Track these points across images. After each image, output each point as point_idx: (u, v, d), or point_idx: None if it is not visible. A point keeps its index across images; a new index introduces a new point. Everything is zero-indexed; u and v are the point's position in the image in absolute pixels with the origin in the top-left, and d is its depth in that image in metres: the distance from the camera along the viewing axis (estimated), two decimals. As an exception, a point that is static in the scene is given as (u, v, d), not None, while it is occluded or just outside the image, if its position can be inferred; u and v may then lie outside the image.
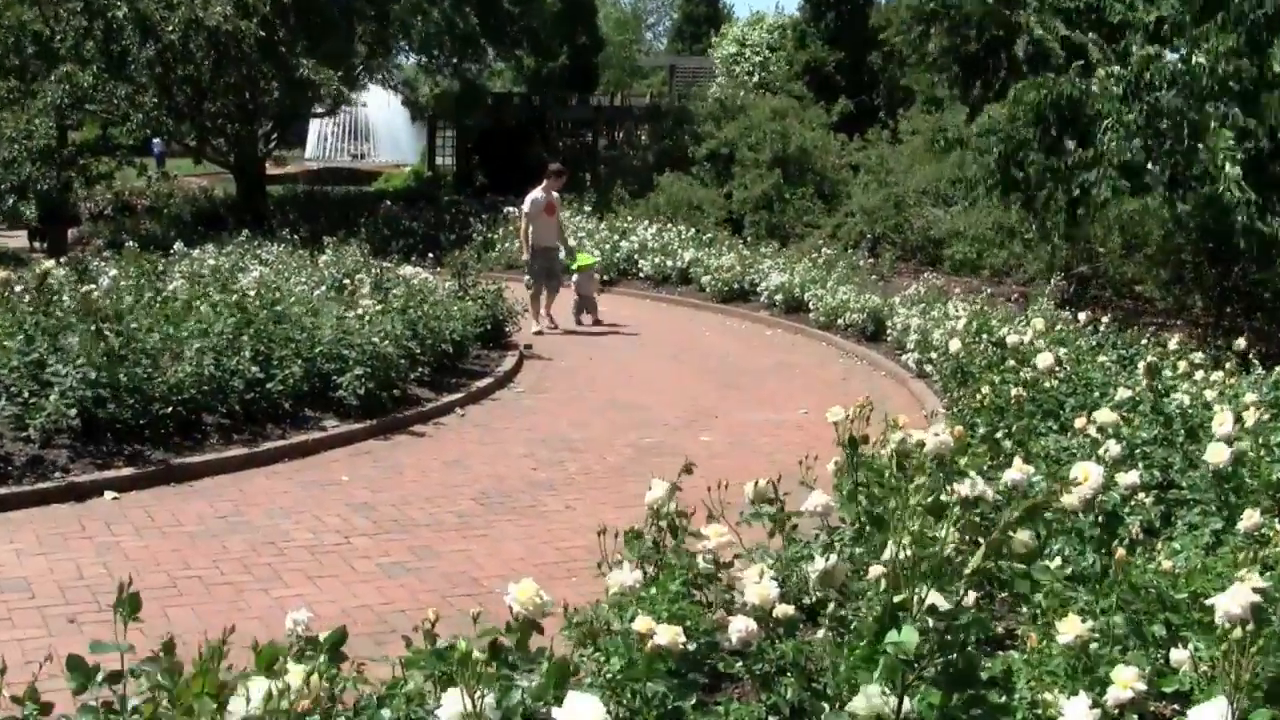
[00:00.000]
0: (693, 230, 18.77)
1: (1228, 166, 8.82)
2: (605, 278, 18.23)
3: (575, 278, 13.97)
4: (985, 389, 6.39)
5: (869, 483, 3.66)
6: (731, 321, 15.23)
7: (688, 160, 22.07)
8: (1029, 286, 14.97)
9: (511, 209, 20.31)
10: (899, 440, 3.48)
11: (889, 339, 12.46)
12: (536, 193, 13.35)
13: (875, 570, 3.08)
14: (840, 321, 13.43)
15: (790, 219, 19.63)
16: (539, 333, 13.01)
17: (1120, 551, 3.28)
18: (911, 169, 18.95)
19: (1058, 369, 6.66)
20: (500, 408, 9.66)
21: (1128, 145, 9.58)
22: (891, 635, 2.21)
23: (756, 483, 3.68)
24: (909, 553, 2.28)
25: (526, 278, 13.52)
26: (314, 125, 33.72)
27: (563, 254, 13.94)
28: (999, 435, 5.79)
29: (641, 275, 17.85)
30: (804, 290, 14.72)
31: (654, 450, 8.18)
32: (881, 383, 11.21)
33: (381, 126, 34.47)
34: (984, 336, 8.94)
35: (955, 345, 8.45)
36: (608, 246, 18.33)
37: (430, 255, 14.27)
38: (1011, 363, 7.26)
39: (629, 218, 19.66)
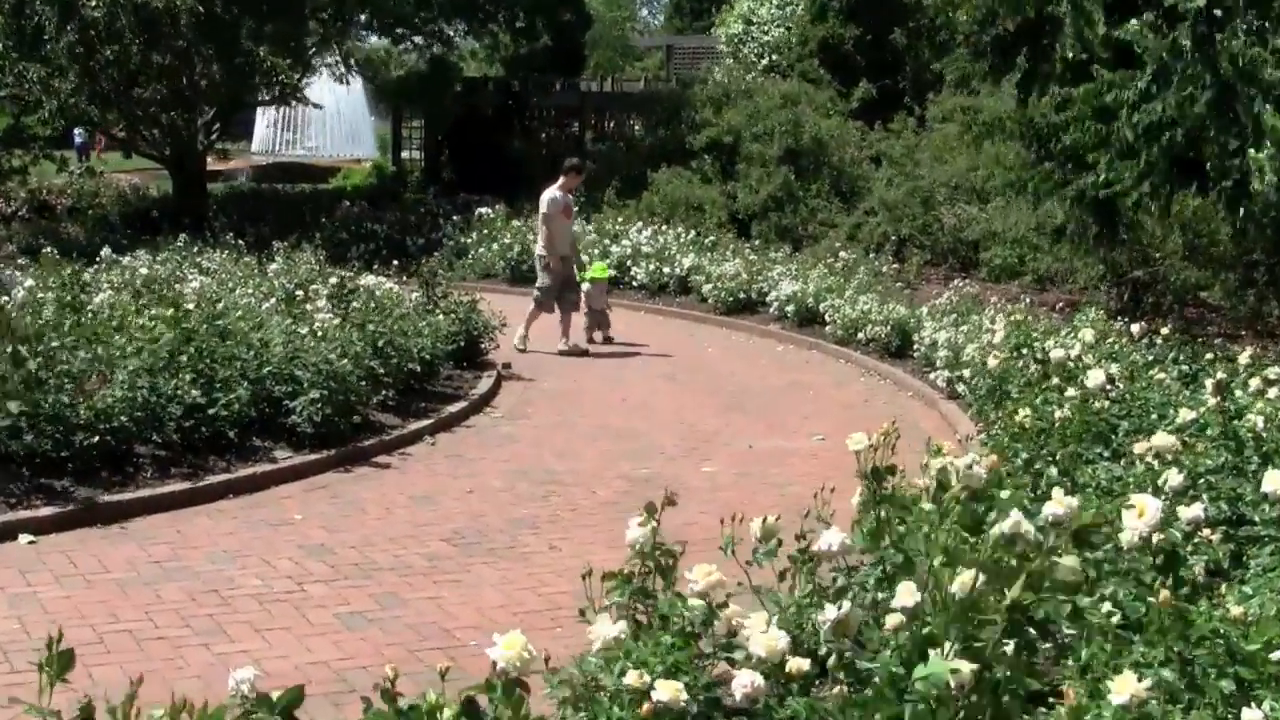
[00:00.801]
0: (692, 233, 18.86)
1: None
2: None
3: (586, 290, 13.95)
4: (1025, 411, 6.41)
5: (895, 519, 3.68)
6: (737, 336, 15.26)
7: (686, 153, 22.16)
8: (1078, 294, 15.04)
9: (485, 210, 20.36)
10: (940, 469, 3.50)
11: (916, 355, 12.51)
12: (554, 191, 13.25)
13: (893, 620, 3.09)
14: (860, 336, 13.49)
15: (803, 219, 19.72)
16: (522, 350, 13.03)
17: (1165, 594, 3.27)
18: (941, 160, 19.05)
19: (1109, 388, 6.69)
20: (475, 436, 9.67)
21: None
22: (919, 671, 2.22)
23: (765, 519, 3.69)
24: (937, 595, 2.29)
25: (537, 289, 13.37)
26: (261, 115, 33.83)
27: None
28: (1041, 464, 5.81)
29: (635, 284, 17.92)
30: (819, 300, 14.78)
31: (650, 483, 8.19)
32: (907, 404, 11.24)
33: (339, 116, 34.54)
34: (1025, 351, 8.98)
35: (992, 361, 8.49)
36: (596, 252, 18.38)
37: (395, 262, 14.31)
38: (1056, 381, 7.29)
39: (620, 219, 19.74)
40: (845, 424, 10.03)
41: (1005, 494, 3.37)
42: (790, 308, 15.08)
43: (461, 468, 8.63)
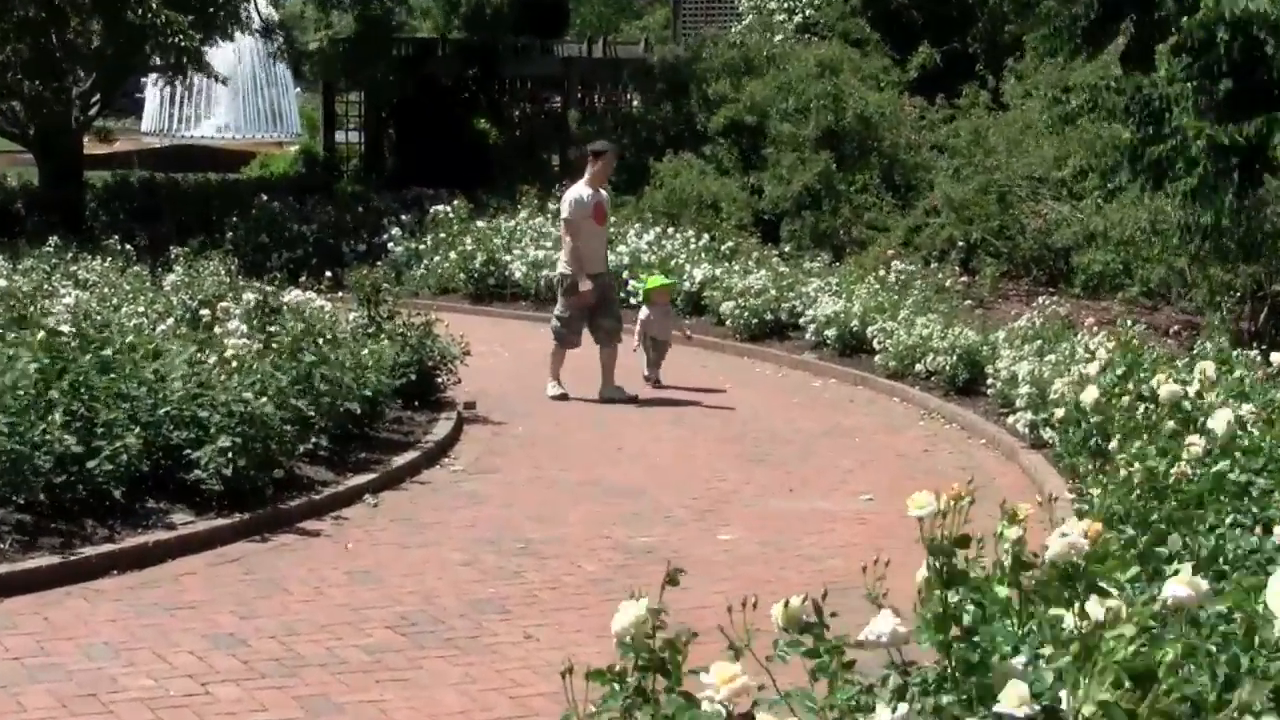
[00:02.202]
0: (706, 237, 18.96)
1: None
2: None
3: (645, 313, 13.86)
4: (1131, 463, 6.43)
5: (966, 603, 3.68)
6: (763, 368, 15.29)
7: (698, 136, 22.27)
8: (1199, 314, 15.07)
9: (442, 207, 20.45)
10: (1015, 540, 3.51)
11: (989, 393, 12.55)
12: (579, 189, 13.09)
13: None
14: (919, 367, 13.55)
15: (846, 220, 19.83)
16: (561, 397, 12.92)
17: None
18: (1022, 146, 19.15)
19: (1240, 434, 6.69)
20: (430, 495, 9.68)
21: None
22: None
23: (788, 602, 3.67)
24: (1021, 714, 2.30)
25: (555, 319, 13.17)
26: (155, 85, 33.93)
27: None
28: (1152, 532, 5.81)
29: (633, 301, 17.98)
30: (866, 323, 14.86)
31: (651, 555, 8.20)
32: (979, 455, 11.26)
33: (255, 88, 34.74)
34: (1130, 387, 8.99)
35: (1088, 398, 8.50)
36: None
37: (328, 273, 14.34)
38: (1171, 425, 7.30)
39: (614, 220, 19.81)
40: (900, 480, 10.07)
41: (1104, 571, 3.38)
42: (830, 332, 15.14)
43: (412, 535, 8.63)
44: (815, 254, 18.53)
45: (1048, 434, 10.57)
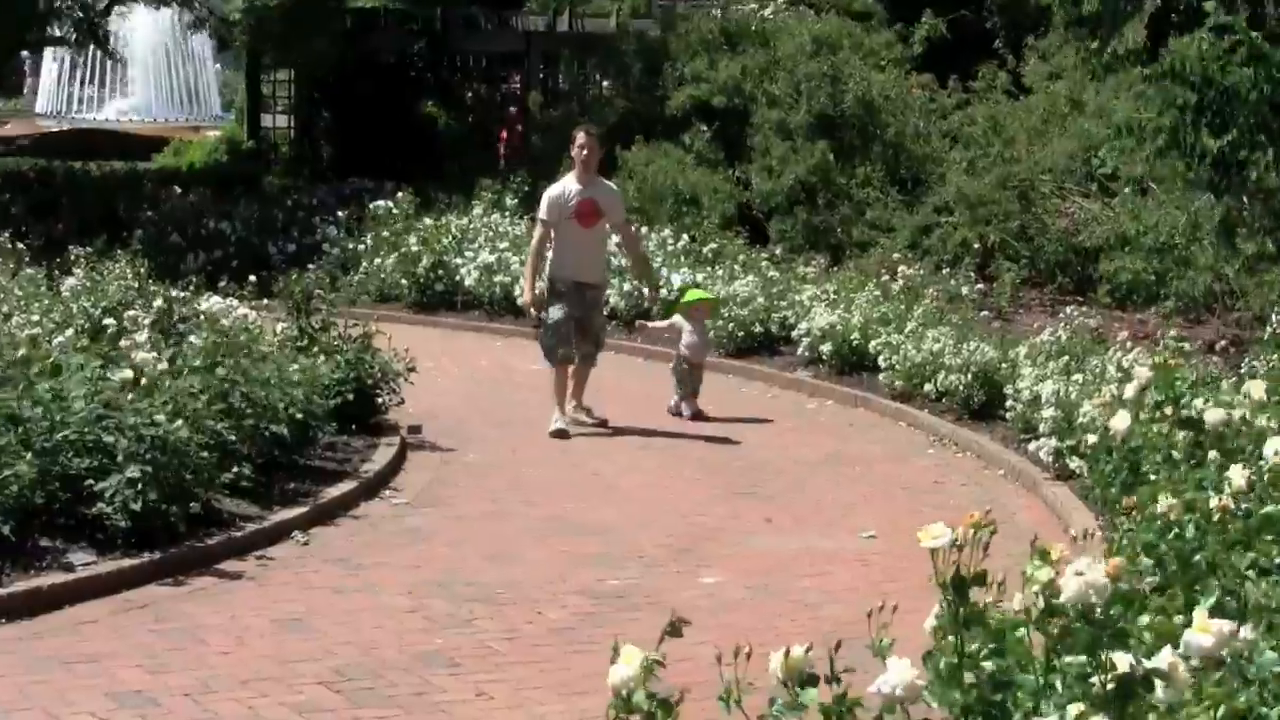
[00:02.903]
0: (685, 237, 18.99)
1: None
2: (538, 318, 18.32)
3: (687, 338, 13.76)
4: (1168, 497, 6.45)
5: (984, 653, 3.70)
6: (750, 388, 15.31)
7: (674, 122, 22.26)
8: (1248, 328, 15.12)
9: (384, 203, 20.44)
10: (1045, 583, 3.52)
11: (1009, 417, 12.58)
12: (562, 183, 12.94)
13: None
14: (928, 387, 13.62)
15: (845, 219, 19.89)
16: (560, 433, 12.55)
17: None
18: (1047, 135, 19.23)
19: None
20: (370, 531, 9.66)
21: None
22: None
23: (789, 651, 3.68)
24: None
25: (542, 335, 12.98)
26: (50, 61, 33.83)
27: (644, 288, 14.43)
28: (1192, 574, 5.83)
29: (651, 324, 18.07)
30: (869, 337, 14.93)
31: (624, 600, 8.19)
32: (998, 487, 11.29)
33: (169, 64, 34.61)
34: (1169, 412, 9.02)
35: (1120, 423, 8.53)
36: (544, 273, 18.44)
37: (252, 278, 14.29)
38: (1214, 454, 7.33)
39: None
40: (906, 515, 10.09)
41: (1143, 619, 3.41)
42: (827, 346, 15.18)
43: (348, 577, 8.60)
44: (810, 257, 18.59)
45: (1075, 464, 10.61)
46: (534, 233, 13.09)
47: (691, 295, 14.30)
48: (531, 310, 13.01)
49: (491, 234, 19.55)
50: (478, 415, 13.30)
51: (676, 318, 13.97)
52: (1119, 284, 16.94)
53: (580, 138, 13.04)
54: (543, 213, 12.84)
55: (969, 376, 13.25)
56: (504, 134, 26.67)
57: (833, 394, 14.60)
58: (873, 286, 16.30)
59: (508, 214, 20.49)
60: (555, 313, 12.76)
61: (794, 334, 15.89)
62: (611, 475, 11.42)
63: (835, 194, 20.15)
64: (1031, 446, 11.68)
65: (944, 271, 17.35)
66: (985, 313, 16.21)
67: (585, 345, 12.92)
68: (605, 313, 14.59)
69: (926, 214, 19.22)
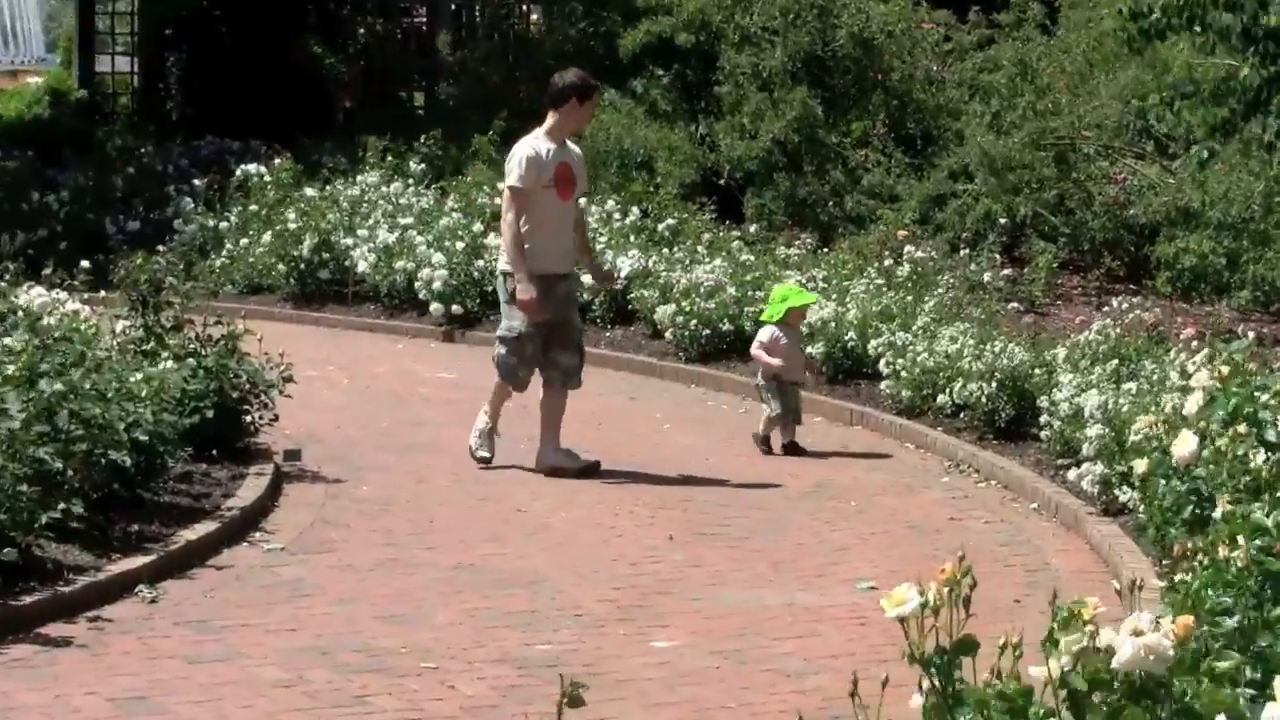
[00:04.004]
0: (635, 210, 18.96)
1: None
2: (459, 310, 18.27)
3: (781, 350, 13.46)
4: (1242, 536, 6.43)
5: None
6: (718, 400, 15.30)
7: (622, 67, 22.18)
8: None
9: (255, 168, 20.35)
10: (1077, 651, 3.48)
11: (1044, 435, 12.57)
12: (536, 142, 12.46)
13: None
14: (943, 399, 13.62)
15: (837, 188, 19.89)
16: (483, 459, 12.48)
17: None
18: (1092, 83, 19.24)
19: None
20: (234, 585, 9.58)
21: None
22: None
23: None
24: None
25: (500, 343, 12.59)
26: None
27: (585, 276, 14.05)
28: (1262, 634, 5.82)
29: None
30: (867, 335, 14.94)
31: (555, 669, 8.11)
32: (1029, 525, 11.29)
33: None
34: (1246, 431, 9.00)
35: (1183, 447, 8.51)
36: (462, 251, 18.41)
37: (85, 263, 14.19)
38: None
39: (494, 192, 19.80)
40: (914, 561, 10.04)
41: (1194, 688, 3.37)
42: (816, 348, 15.15)
43: (207, 644, 8.52)
44: (793, 235, 18.61)
45: (1126, 495, 10.59)
46: (506, 205, 12.43)
47: (790, 296, 13.73)
48: (529, 296, 12.15)
49: (391, 208, 19.53)
50: (372, 437, 13.24)
51: (768, 329, 13.67)
52: (1182, 269, 16.93)
53: (588, 89, 12.73)
54: (518, 177, 12.29)
55: (993, 386, 13.22)
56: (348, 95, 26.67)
57: (822, 408, 14.56)
58: (873, 272, 16.31)
59: (411, 182, 20.44)
60: (517, 323, 12.36)
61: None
62: (541, 512, 11.36)
63: (825, 156, 20.18)
64: (1072, 474, 11.64)
65: (962, 253, 17.38)
66: (1014, 305, 16.24)
67: (565, 357, 12.51)
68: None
69: (940, 181, 19.23)
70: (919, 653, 3.81)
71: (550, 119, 12.55)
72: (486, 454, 12.55)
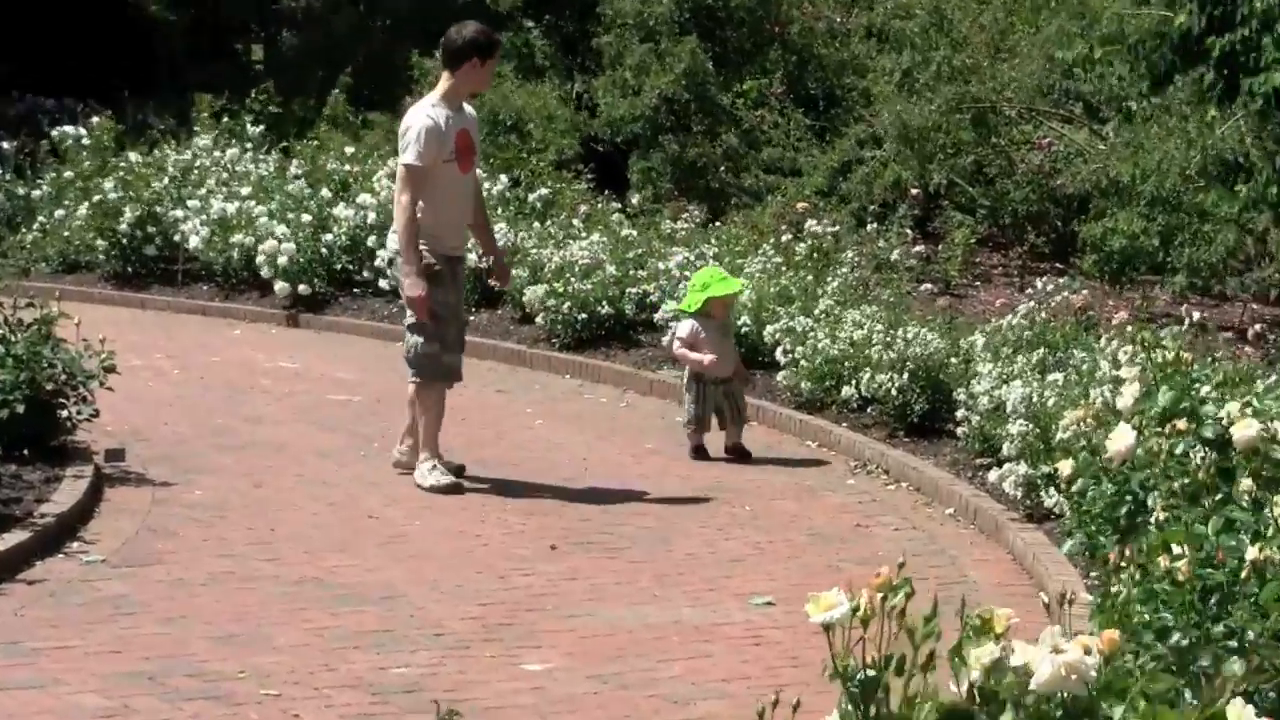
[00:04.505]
0: (502, 180, 18.94)
1: None
2: (305, 291, 18.20)
3: (705, 346, 13.25)
4: (1181, 544, 6.48)
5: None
6: (597, 393, 15.32)
7: (493, 17, 22.14)
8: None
9: (71, 130, 20.17)
10: (989, 665, 3.50)
11: (961, 433, 12.65)
12: (433, 108, 12.19)
13: None
14: (848, 392, 13.70)
15: (731, 154, 19.90)
16: (453, 487, 12.11)
17: None
18: (1015, 37, 19.32)
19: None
20: (49, 602, 9.49)
21: None
22: None
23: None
24: None
25: (412, 335, 12.28)
26: None
27: (478, 258, 13.97)
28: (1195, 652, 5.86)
29: (375, 290, 18.30)
30: (763, 320, 15.03)
31: (414, 696, 8.11)
32: (945, 533, 11.36)
33: None
34: (1184, 425, 9.07)
35: (1118, 443, 8.57)
36: (308, 224, 18.33)
37: None
38: (1249, 483, 7.38)
39: (348, 158, 19.76)
40: (816, 574, 10.09)
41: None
42: (704, 334, 15.21)
43: (18, 668, 8.43)
44: (680, 208, 18.65)
45: (1053, 499, 10.66)
46: (401, 185, 12.16)
47: (712, 284, 13.50)
48: (419, 293, 12.03)
49: (226, 175, 19.41)
50: (206, 435, 13.19)
51: (687, 322, 13.55)
52: (1110, 251, 17.00)
53: (490, 45, 12.48)
54: (417, 154, 11.95)
55: (905, 377, 13.28)
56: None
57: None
58: (769, 249, 16.35)
59: (250, 147, 20.34)
60: (429, 313, 12.17)
61: (657, 317, 15.96)
62: (398, 519, 11.32)
63: (717, 118, 20.20)
64: (993, 475, 11.67)
65: (869, 228, 17.45)
66: (928, 286, 16.32)
67: (454, 357, 12.49)
68: None
69: (845, 147, 19.34)
70: (843, 666, 3.80)
71: (446, 82, 12.37)
72: (443, 481, 12.16)
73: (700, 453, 13.27)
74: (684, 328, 13.43)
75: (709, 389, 13.27)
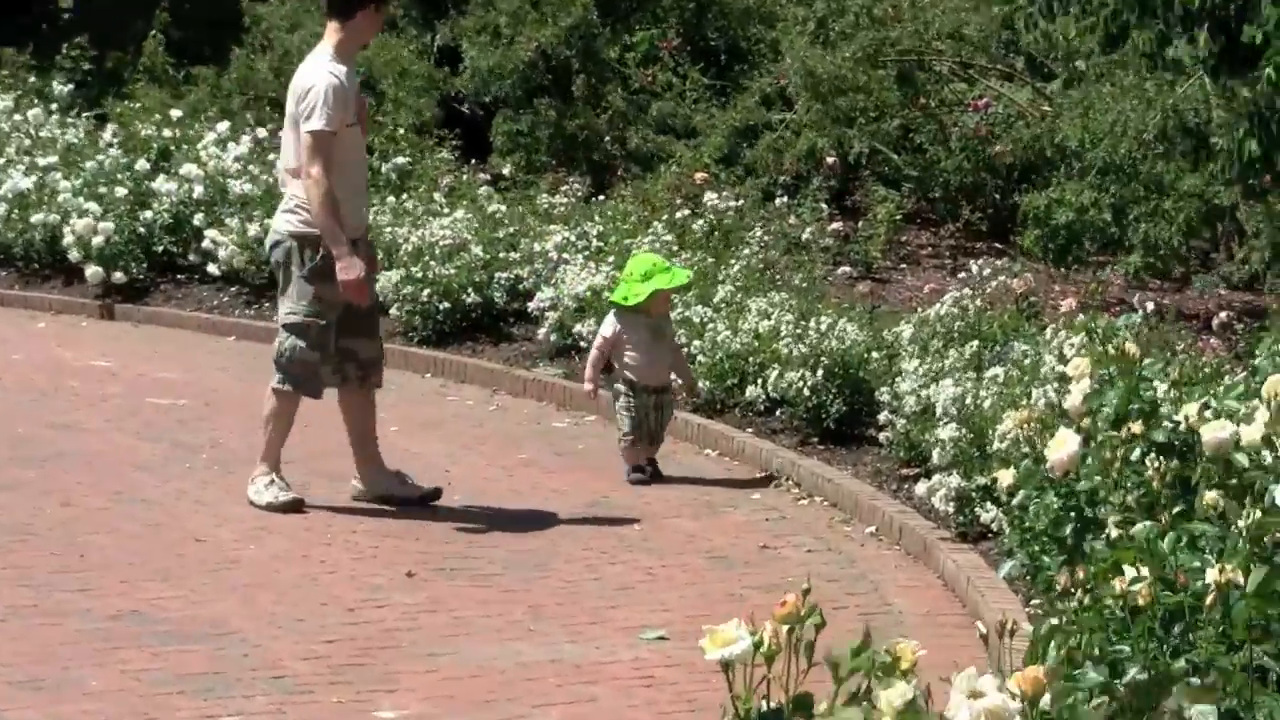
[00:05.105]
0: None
1: None
2: (121, 278, 18.13)
3: (630, 350, 13.06)
4: (1136, 570, 6.52)
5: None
6: (461, 395, 15.40)
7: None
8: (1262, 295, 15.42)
9: None
10: (901, 706, 3.53)
11: (884, 438, 12.71)
12: (332, 64, 12.01)
13: None
14: (753, 392, 13.75)
15: (617, 118, 19.92)
16: (293, 505, 12.00)
17: None
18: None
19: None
20: None
21: None
22: None
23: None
24: None
25: (287, 333, 12.06)
26: None
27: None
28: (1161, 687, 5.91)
29: (203, 277, 18.36)
30: (655, 310, 14.94)
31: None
32: (865, 554, 11.40)
33: None
34: (1139, 428, 9.12)
35: (1062, 451, 8.63)
36: (123, 200, 18.29)
37: None
38: (1213, 495, 7.43)
39: (166, 120, 19.74)
40: (715, 603, 10.11)
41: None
42: (586, 326, 15.17)
43: None
44: (558, 179, 18.66)
45: (989, 514, 10.70)
46: (311, 155, 11.89)
47: (657, 275, 13.19)
48: (356, 274, 11.84)
49: (29, 142, 19.32)
50: (4, 445, 13.18)
51: (610, 319, 13.31)
52: (1055, 225, 17.04)
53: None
54: (326, 117, 11.85)
55: (819, 374, 13.31)
56: None
57: (595, 401, 14.53)
58: (660, 227, 16.35)
59: (56, 109, 20.28)
60: (304, 302, 12.00)
61: (532, 307, 16.01)
62: (228, 542, 11.29)
63: (602, 76, 20.19)
64: (920, 488, 11.69)
65: (778, 202, 17.48)
66: (846, 269, 16.37)
67: (365, 347, 12.37)
68: None
69: (750, 108, 19.34)
70: (745, 709, 3.83)
71: (336, 34, 12.21)
72: (293, 494, 12.13)
73: (644, 475, 13.03)
74: (608, 325, 13.24)
75: (639, 396, 13.09)
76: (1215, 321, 14.32)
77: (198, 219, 17.98)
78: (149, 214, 18.17)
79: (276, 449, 12.18)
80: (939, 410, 11.74)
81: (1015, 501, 9.52)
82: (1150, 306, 13.16)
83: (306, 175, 11.95)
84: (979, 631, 7.79)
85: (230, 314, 17.80)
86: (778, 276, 15.16)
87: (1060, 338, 11.94)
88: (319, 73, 11.99)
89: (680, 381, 13.57)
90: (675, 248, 15.83)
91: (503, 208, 17.39)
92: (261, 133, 19.05)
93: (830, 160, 18.41)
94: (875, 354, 13.31)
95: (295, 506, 12.03)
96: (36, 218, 18.26)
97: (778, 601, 4.08)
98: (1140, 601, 6.39)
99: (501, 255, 16.42)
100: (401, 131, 19.50)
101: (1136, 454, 8.50)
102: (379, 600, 10.32)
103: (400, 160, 18.71)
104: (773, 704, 3.95)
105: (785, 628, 3.98)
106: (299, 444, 13.02)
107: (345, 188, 12.01)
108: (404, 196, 17.85)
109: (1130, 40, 14.82)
